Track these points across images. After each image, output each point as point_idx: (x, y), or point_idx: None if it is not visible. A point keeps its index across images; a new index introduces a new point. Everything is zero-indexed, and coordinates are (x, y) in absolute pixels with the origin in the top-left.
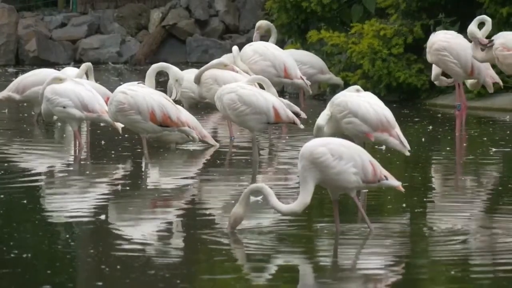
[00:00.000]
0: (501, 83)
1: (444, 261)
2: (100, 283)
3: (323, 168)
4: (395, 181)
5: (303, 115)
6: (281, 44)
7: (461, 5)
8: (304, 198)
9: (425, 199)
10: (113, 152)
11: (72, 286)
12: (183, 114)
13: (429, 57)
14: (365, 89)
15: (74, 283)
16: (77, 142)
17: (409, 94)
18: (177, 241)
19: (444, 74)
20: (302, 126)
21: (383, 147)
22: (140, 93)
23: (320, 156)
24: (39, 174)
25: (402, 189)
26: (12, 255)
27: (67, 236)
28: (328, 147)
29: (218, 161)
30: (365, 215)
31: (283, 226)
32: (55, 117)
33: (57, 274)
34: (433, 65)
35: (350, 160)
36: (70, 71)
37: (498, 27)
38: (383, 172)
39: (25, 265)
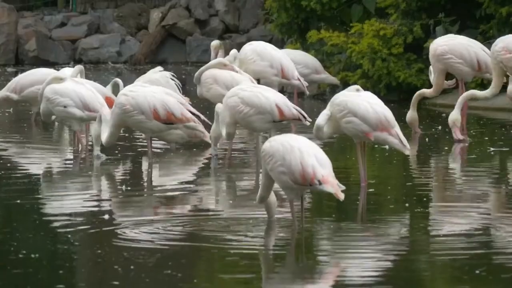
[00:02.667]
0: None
1: (444, 261)
2: (116, 283)
3: (264, 164)
4: (331, 188)
5: (309, 119)
6: (281, 44)
7: (461, 4)
8: (260, 192)
9: (425, 199)
10: (113, 151)
11: (88, 286)
12: (188, 110)
13: (436, 64)
14: (365, 88)
15: (90, 283)
16: (78, 142)
17: (409, 93)
18: (186, 241)
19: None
20: (307, 123)
21: (388, 146)
22: (141, 93)
23: (262, 152)
24: (38, 174)
25: (340, 197)
26: (20, 256)
27: (70, 236)
28: (270, 144)
29: (220, 161)
30: (295, 218)
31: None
32: (53, 117)
33: (70, 274)
34: (430, 68)
35: (279, 159)
36: (68, 71)
37: (498, 27)
38: (319, 176)
39: (36, 266)
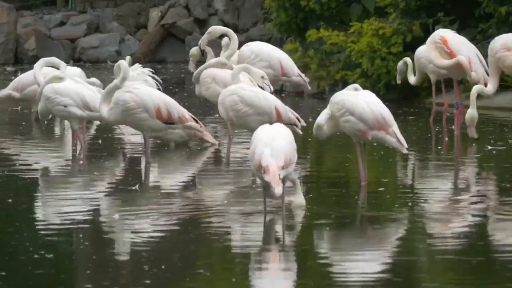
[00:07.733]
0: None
1: (443, 260)
2: (148, 281)
3: None
4: (268, 177)
5: (303, 122)
6: (280, 43)
7: (460, 4)
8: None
9: (423, 198)
10: (112, 151)
11: (118, 285)
12: (186, 111)
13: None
14: (364, 87)
15: (120, 282)
16: (77, 141)
17: (408, 92)
18: (198, 240)
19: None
20: (300, 131)
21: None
22: (143, 91)
23: None
24: (38, 173)
25: (273, 186)
26: (36, 256)
27: (81, 235)
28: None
29: (218, 160)
30: (283, 207)
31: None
32: (49, 116)
33: (97, 274)
34: (417, 70)
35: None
36: (69, 70)
37: (497, 26)
38: (263, 165)
39: (56, 266)
